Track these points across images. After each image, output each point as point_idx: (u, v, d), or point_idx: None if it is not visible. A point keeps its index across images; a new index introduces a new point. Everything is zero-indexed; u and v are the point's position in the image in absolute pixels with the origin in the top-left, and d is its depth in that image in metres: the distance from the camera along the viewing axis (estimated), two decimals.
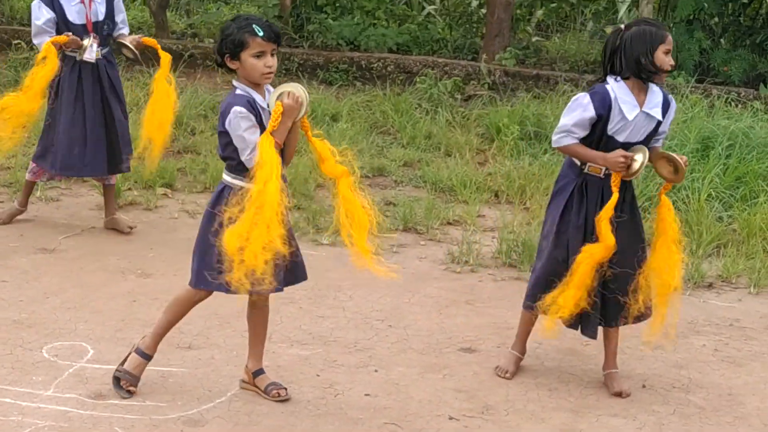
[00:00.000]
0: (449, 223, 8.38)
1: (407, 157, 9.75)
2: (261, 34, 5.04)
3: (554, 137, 5.70)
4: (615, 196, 5.58)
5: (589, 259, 5.53)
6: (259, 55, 5.06)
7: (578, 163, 5.71)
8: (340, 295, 6.90)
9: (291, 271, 5.34)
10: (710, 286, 7.45)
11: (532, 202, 8.64)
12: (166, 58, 7.28)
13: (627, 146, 5.58)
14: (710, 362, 6.29)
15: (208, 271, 5.17)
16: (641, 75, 5.53)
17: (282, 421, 5.29)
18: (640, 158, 5.57)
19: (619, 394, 5.79)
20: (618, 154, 5.54)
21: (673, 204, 8.22)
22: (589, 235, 5.63)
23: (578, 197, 5.69)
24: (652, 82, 5.60)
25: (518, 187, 8.98)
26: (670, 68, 5.55)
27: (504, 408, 5.58)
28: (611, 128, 5.58)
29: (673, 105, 5.70)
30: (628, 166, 5.56)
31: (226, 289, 5.03)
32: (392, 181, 9.28)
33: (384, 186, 9.16)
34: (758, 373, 6.19)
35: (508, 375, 5.94)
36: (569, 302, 5.53)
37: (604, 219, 5.54)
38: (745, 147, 9.07)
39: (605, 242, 5.51)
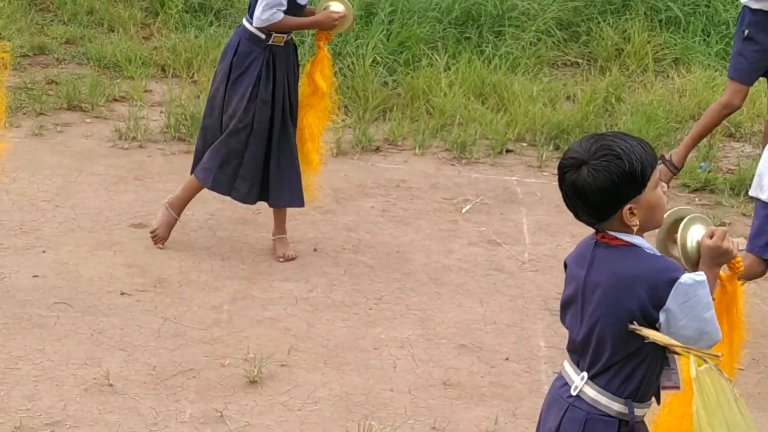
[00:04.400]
0: (115, 100, 8.17)
1: (69, 34, 9.41)
2: None
3: (265, 15, 5.59)
4: (323, 52, 5.87)
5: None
6: None
7: (262, 36, 5.66)
8: (2, 178, 6.67)
9: None
10: (377, 149, 7.60)
11: (200, 75, 8.53)
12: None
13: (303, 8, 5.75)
14: (379, 223, 6.45)
15: None
16: None
17: None
18: (340, 8, 5.82)
19: (284, 258, 5.87)
20: (326, 15, 5.78)
21: (339, 71, 8.41)
22: (278, 109, 5.67)
23: (266, 72, 5.68)
24: None
25: (185, 60, 8.83)
26: None
27: (177, 280, 5.57)
28: None
29: None
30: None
31: None
32: (54, 59, 8.94)
33: (46, 65, 8.84)
34: (423, 230, 6.40)
35: (160, 246, 5.93)
36: None
37: (313, 73, 5.86)
38: (407, 12, 9.22)
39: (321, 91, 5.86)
